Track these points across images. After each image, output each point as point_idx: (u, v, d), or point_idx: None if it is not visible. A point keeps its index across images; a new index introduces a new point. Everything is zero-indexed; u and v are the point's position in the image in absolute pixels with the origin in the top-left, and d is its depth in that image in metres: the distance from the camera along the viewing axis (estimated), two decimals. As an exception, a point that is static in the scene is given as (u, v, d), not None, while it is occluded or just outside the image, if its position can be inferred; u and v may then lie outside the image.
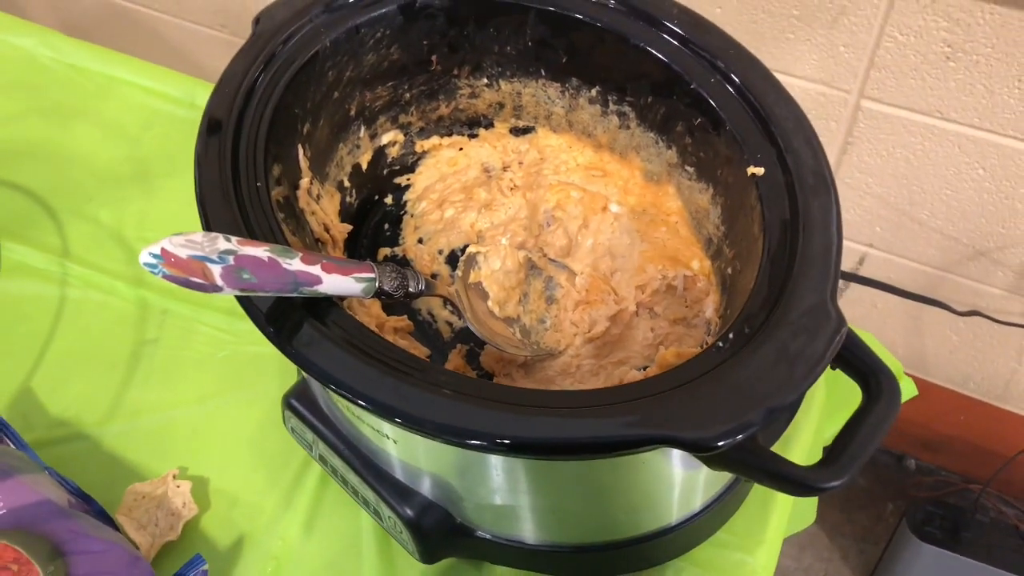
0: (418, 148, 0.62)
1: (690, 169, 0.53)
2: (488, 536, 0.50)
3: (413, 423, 0.37)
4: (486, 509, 0.48)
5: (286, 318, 0.41)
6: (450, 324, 0.56)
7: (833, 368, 0.44)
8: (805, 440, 0.60)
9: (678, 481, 0.46)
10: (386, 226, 0.61)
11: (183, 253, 0.37)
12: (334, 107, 0.55)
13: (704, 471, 0.48)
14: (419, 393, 0.38)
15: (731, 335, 0.40)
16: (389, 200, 0.61)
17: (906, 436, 1.38)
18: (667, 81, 0.52)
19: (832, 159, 1.03)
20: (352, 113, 0.57)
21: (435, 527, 0.49)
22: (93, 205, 0.75)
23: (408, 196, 0.62)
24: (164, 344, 0.66)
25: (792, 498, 0.56)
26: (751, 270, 0.44)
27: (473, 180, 0.61)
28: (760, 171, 0.46)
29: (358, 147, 0.59)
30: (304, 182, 0.52)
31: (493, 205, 0.60)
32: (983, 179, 0.96)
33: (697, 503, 0.51)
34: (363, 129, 0.58)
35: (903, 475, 1.40)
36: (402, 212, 0.61)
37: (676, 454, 0.42)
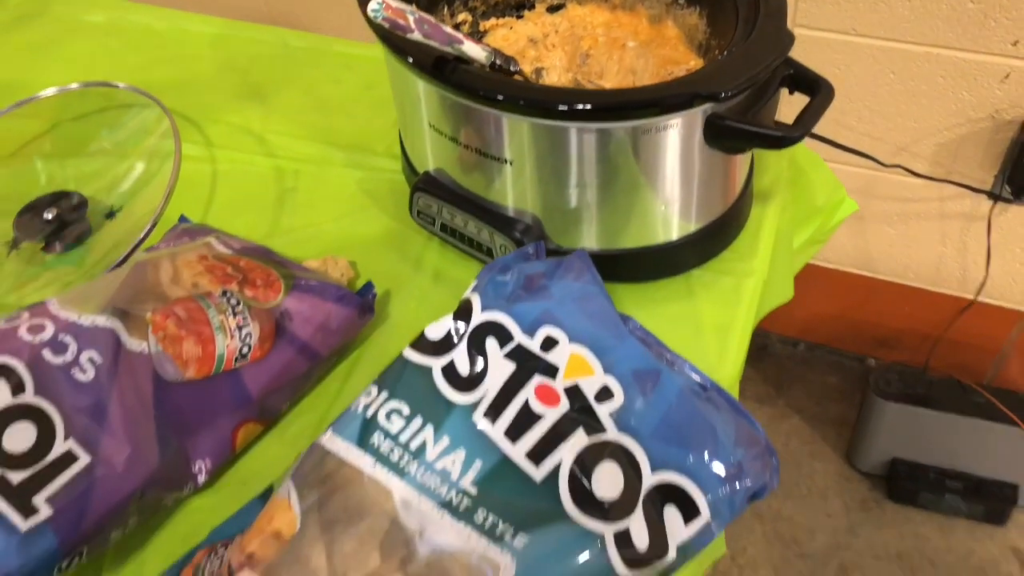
0: (481, 27, 0.86)
1: (681, 1, 0.79)
2: (564, 250, 0.73)
3: (535, 104, 0.61)
4: (566, 218, 0.71)
5: (446, 66, 0.64)
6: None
7: (792, 93, 0.68)
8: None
9: (684, 186, 0.70)
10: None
11: (395, 4, 0.60)
12: (429, -12, 0.80)
13: (698, 176, 0.71)
14: (540, 91, 0.62)
15: (726, 52, 0.64)
16: (463, 68, 0.85)
17: (864, 336, 1.62)
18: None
19: (777, 85, 1.30)
20: (438, -5, 0.82)
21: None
22: (223, 113, 0.97)
23: (476, 65, 0.85)
24: (301, 189, 0.88)
25: (774, 233, 0.80)
26: (731, 35, 0.69)
27: (523, 47, 0.85)
28: (731, -24, 0.71)
29: (443, 22, 0.83)
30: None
31: (541, 59, 0.84)
32: (894, 82, 1.23)
33: (692, 226, 0.74)
34: (446, 8, 0.83)
35: (866, 372, 1.64)
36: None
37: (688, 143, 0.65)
